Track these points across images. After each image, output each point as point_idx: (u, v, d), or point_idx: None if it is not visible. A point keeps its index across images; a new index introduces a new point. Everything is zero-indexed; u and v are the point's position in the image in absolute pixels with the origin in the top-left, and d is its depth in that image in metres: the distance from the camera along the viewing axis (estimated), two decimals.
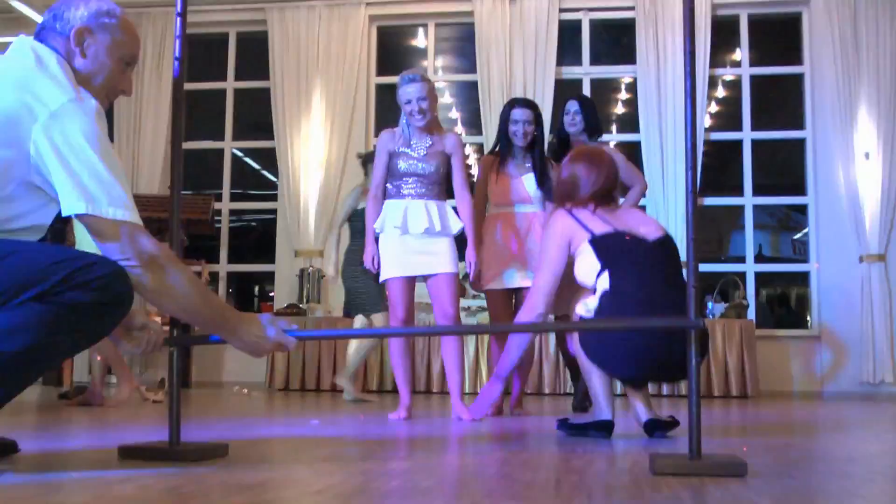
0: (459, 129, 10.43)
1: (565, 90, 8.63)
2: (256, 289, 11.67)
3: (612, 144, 9.85)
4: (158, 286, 2.30)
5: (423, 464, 2.52)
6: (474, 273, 4.90)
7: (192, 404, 5.77)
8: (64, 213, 2.23)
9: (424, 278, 4.87)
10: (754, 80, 9.06)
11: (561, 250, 3.71)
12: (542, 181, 5.12)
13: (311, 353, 8.01)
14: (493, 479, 2.33)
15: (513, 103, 5.22)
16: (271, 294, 9.78)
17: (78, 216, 2.21)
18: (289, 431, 3.88)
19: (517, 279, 5.04)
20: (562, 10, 8.96)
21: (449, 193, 4.92)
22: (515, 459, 2.77)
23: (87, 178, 2.20)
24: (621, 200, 5.46)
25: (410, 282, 4.86)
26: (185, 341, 2.70)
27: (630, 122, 9.31)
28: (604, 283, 3.59)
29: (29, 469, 2.42)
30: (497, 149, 5.30)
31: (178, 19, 2.81)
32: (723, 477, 2.35)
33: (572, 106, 5.68)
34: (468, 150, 10.13)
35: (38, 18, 7.44)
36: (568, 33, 9.08)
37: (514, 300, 5.16)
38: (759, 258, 9.92)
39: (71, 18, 2.44)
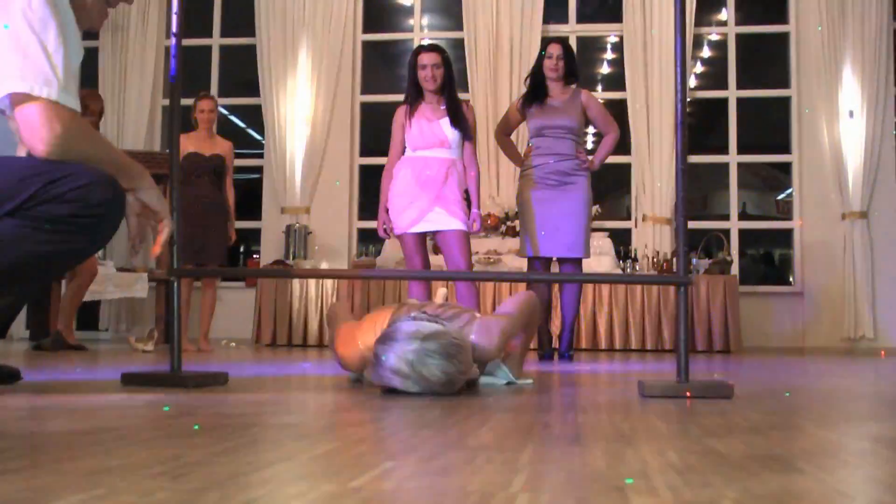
0: None
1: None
2: (242, 246, 11.67)
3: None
4: (62, 152, 2.11)
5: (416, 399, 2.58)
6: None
7: (185, 353, 5.80)
8: None
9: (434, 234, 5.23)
10: (740, 39, 9.10)
11: None
12: (457, 121, 5.17)
13: (298, 309, 8.06)
14: (501, 402, 2.39)
15: (419, 49, 5.26)
16: (255, 254, 9.81)
17: (10, 96, 2.09)
18: (281, 371, 3.93)
19: (433, 223, 5.14)
20: None
21: None
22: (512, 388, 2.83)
23: (18, 57, 2.08)
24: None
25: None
26: (186, 273, 2.73)
27: (616, 80, 9.33)
28: None
29: (35, 391, 2.46)
30: (408, 98, 5.32)
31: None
32: (710, 398, 2.43)
33: (555, 50, 5.72)
34: None
35: None
36: None
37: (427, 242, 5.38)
38: (744, 217, 9.99)
39: None
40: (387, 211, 5.24)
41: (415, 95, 5.28)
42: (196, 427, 1.63)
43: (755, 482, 1.15)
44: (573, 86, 5.80)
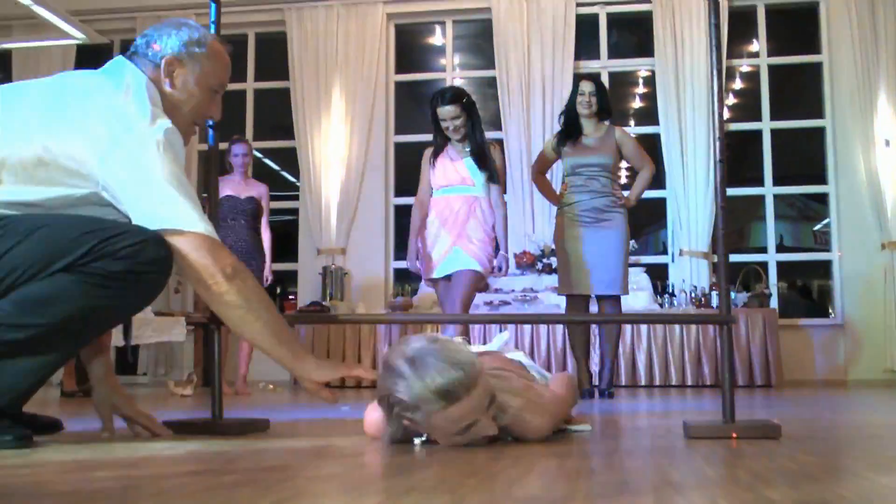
0: None
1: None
2: (278, 288, 11.72)
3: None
4: (243, 302, 2.32)
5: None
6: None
7: (223, 397, 5.81)
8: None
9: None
10: (772, 69, 9.06)
11: None
12: (483, 163, 5.21)
13: (335, 348, 8.06)
14: (544, 448, 2.37)
15: (435, 101, 5.25)
16: (291, 296, 9.83)
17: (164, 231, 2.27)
18: (320, 414, 3.92)
19: (451, 264, 5.18)
20: (578, 5, 8.97)
21: None
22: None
23: (155, 201, 2.26)
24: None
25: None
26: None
27: (648, 115, 9.32)
28: None
29: (75, 441, 2.47)
30: (435, 141, 5.40)
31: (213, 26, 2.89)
32: (756, 439, 2.39)
33: (587, 87, 5.70)
34: None
35: (59, 23, 7.56)
36: (585, 27, 9.09)
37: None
38: (781, 248, 9.90)
39: (162, 47, 2.51)
40: (418, 247, 5.34)
41: (441, 140, 5.34)
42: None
43: None
44: (607, 122, 5.79)
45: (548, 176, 6.21)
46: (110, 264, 2.18)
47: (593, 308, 5.99)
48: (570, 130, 5.75)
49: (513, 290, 7.98)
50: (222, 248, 2.34)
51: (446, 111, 5.17)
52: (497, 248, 5.30)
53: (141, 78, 2.43)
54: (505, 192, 5.69)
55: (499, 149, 5.46)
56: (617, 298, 5.68)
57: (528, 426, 2.35)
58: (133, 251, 2.20)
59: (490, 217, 5.26)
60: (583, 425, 2.74)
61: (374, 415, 2.41)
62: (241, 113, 9.70)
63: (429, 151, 5.42)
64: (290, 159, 9.66)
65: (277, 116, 9.73)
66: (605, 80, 8.97)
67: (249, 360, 6.61)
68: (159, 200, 2.26)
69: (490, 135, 9.11)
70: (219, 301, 2.32)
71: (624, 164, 6.37)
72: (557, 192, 6.01)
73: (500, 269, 5.27)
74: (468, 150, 5.25)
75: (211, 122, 2.86)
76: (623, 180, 9.92)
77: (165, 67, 2.49)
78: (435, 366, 2.12)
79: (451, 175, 5.25)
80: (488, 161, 5.21)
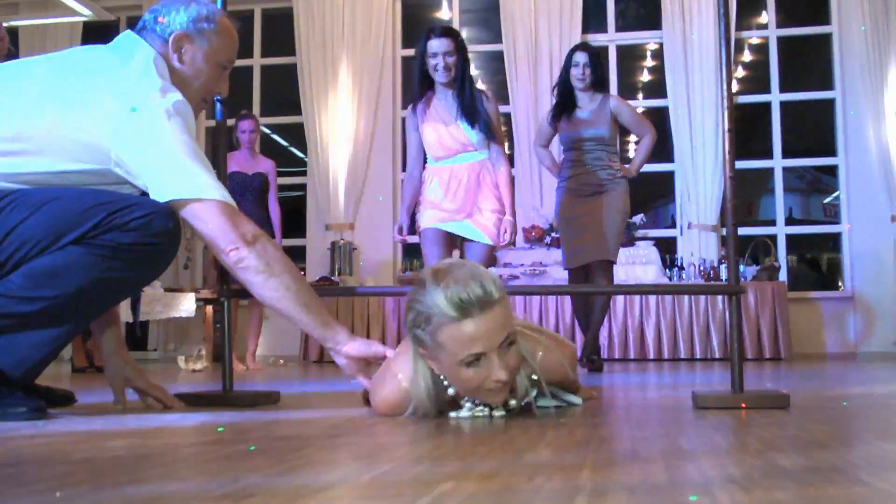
0: None
1: None
2: None
3: (638, 109, 9.87)
4: (265, 267, 2.30)
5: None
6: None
7: (235, 373, 5.84)
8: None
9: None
10: (781, 41, 9.00)
11: None
12: (475, 121, 4.64)
13: (344, 323, 8.07)
14: (554, 418, 2.37)
15: (428, 33, 4.67)
16: (301, 271, 9.84)
17: (171, 203, 2.27)
18: (331, 388, 3.94)
19: (463, 230, 4.71)
20: None
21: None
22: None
23: (170, 171, 2.26)
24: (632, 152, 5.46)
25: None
26: (235, 294, 2.75)
27: (656, 88, 9.28)
28: None
29: (87, 413, 2.49)
30: (417, 95, 4.82)
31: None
32: (765, 409, 2.39)
33: (581, 58, 5.53)
34: None
35: (66, 0, 7.55)
36: (592, 0, 9.05)
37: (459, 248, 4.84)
38: (790, 222, 9.88)
39: (170, 22, 2.50)
40: (410, 217, 4.83)
41: (423, 89, 4.75)
42: (252, 448, 1.64)
43: (821, 496, 1.13)
44: (601, 94, 5.61)
45: (550, 148, 6.09)
46: (120, 236, 2.19)
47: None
48: (564, 104, 5.63)
49: (522, 265, 7.99)
50: (240, 214, 2.33)
51: (441, 44, 4.57)
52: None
53: (150, 52, 2.43)
54: (507, 147, 5.31)
55: (493, 99, 4.80)
56: (607, 265, 5.48)
57: (551, 358, 2.28)
58: (142, 223, 2.21)
59: (494, 182, 4.76)
60: (576, 397, 2.55)
61: (385, 391, 2.29)
62: (248, 89, 9.68)
63: (411, 115, 4.84)
64: (298, 135, 9.65)
65: (285, 92, 9.72)
66: (612, 52, 8.96)
67: (259, 336, 6.63)
68: (174, 170, 2.26)
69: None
70: (240, 267, 2.30)
71: (633, 138, 6.30)
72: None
73: (505, 231, 4.67)
74: (457, 105, 4.67)
75: (218, 98, 2.86)
76: (631, 154, 9.91)
77: (174, 43, 2.48)
78: (457, 276, 2.04)
79: (448, 143, 4.69)
80: (479, 117, 4.62)
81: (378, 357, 2.43)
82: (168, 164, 2.26)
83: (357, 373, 2.45)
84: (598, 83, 5.58)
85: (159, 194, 2.26)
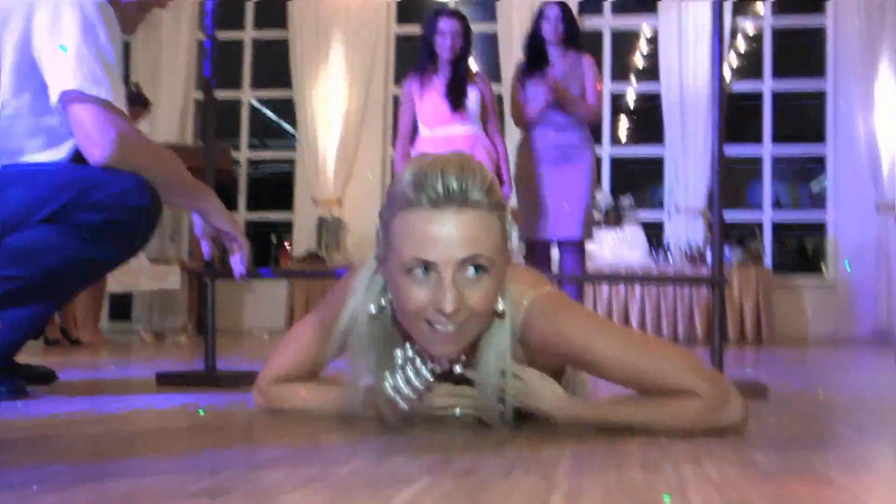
0: None
1: (587, 41, 8.54)
2: (274, 237, 11.75)
3: (632, 93, 9.85)
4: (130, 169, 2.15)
5: None
6: None
7: (217, 346, 5.84)
8: (51, 101, 2.13)
9: None
10: (776, 31, 8.99)
11: None
12: (458, 103, 4.76)
13: None
14: None
15: (438, 12, 4.88)
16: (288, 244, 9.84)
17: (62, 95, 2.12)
18: None
19: None
20: None
21: None
22: None
23: (64, 63, 2.11)
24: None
25: None
26: (221, 274, 2.75)
27: (650, 73, 9.26)
28: None
29: (68, 393, 2.49)
30: (420, 67, 4.93)
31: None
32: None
33: (552, 10, 5.08)
34: None
35: None
36: None
37: None
38: (776, 207, 9.93)
39: None
40: None
41: (427, 65, 4.89)
42: (202, 413, 1.64)
43: (791, 496, 1.15)
44: (576, 51, 5.18)
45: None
46: (92, 214, 2.09)
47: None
48: (535, 60, 5.13)
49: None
50: (121, 116, 2.16)
51: (452, 24, 4.77)
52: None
53: None
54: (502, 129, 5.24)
55: (488, 81, 5.02)
56: (579, 245, 5.08)
57: (544, 319, 1.73)
58: (115, 201, 2.10)
59: (493, 154, 4.86)
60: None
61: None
62: (239, 62, 9.63)
63: (413, 83, 4.91)
64: (287, 109, 9.60)
65: (276, 66, 9.66)
66: (607, 36, 8.96)
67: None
68: (67, 62, 2.11)
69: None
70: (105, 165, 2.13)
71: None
72: None
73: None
74: (446, 82, 4.82)
75: (208, 73, 2.82)
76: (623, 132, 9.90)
77: None
78: (441, 159, 1.59)
79: (444, 113, 4.80)
80: (460, 94, 4.75)
81: (230, 237, 2.39)
82: (64, 56, 2.11)
83: (206, 236, 2.40)
84: (571, 38, 5.14)
85: (51, 89, 2.12)
